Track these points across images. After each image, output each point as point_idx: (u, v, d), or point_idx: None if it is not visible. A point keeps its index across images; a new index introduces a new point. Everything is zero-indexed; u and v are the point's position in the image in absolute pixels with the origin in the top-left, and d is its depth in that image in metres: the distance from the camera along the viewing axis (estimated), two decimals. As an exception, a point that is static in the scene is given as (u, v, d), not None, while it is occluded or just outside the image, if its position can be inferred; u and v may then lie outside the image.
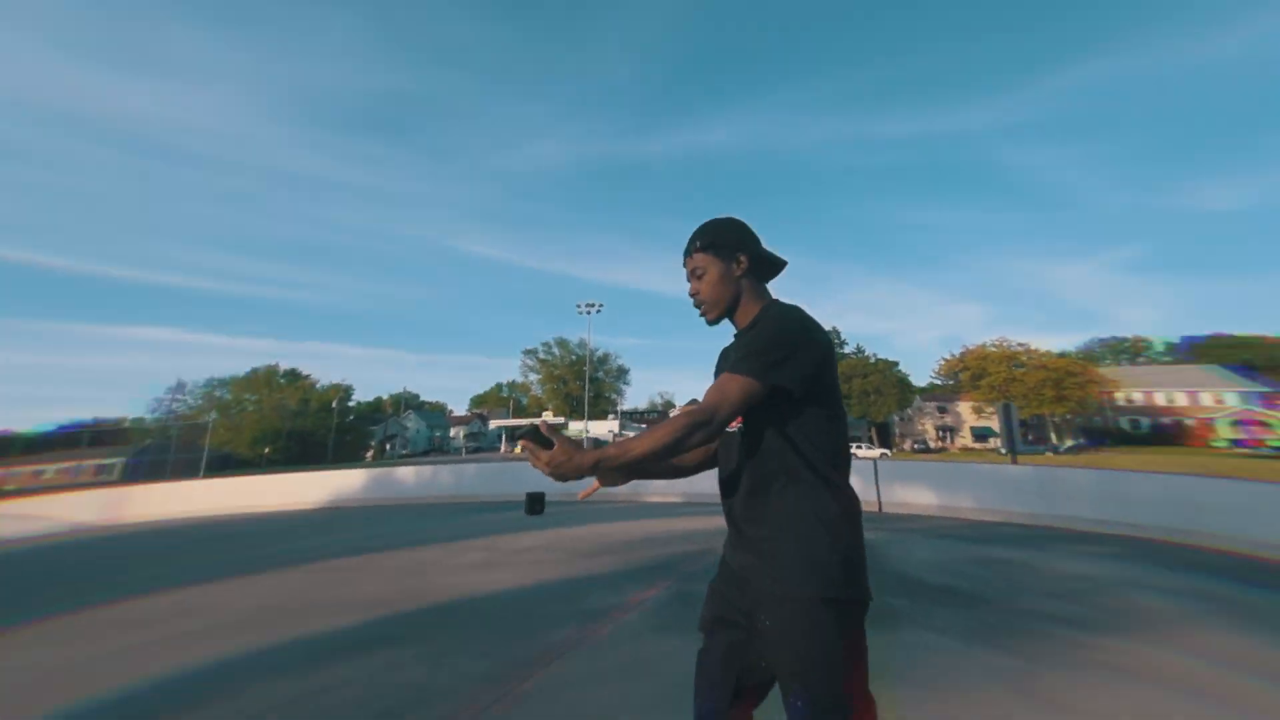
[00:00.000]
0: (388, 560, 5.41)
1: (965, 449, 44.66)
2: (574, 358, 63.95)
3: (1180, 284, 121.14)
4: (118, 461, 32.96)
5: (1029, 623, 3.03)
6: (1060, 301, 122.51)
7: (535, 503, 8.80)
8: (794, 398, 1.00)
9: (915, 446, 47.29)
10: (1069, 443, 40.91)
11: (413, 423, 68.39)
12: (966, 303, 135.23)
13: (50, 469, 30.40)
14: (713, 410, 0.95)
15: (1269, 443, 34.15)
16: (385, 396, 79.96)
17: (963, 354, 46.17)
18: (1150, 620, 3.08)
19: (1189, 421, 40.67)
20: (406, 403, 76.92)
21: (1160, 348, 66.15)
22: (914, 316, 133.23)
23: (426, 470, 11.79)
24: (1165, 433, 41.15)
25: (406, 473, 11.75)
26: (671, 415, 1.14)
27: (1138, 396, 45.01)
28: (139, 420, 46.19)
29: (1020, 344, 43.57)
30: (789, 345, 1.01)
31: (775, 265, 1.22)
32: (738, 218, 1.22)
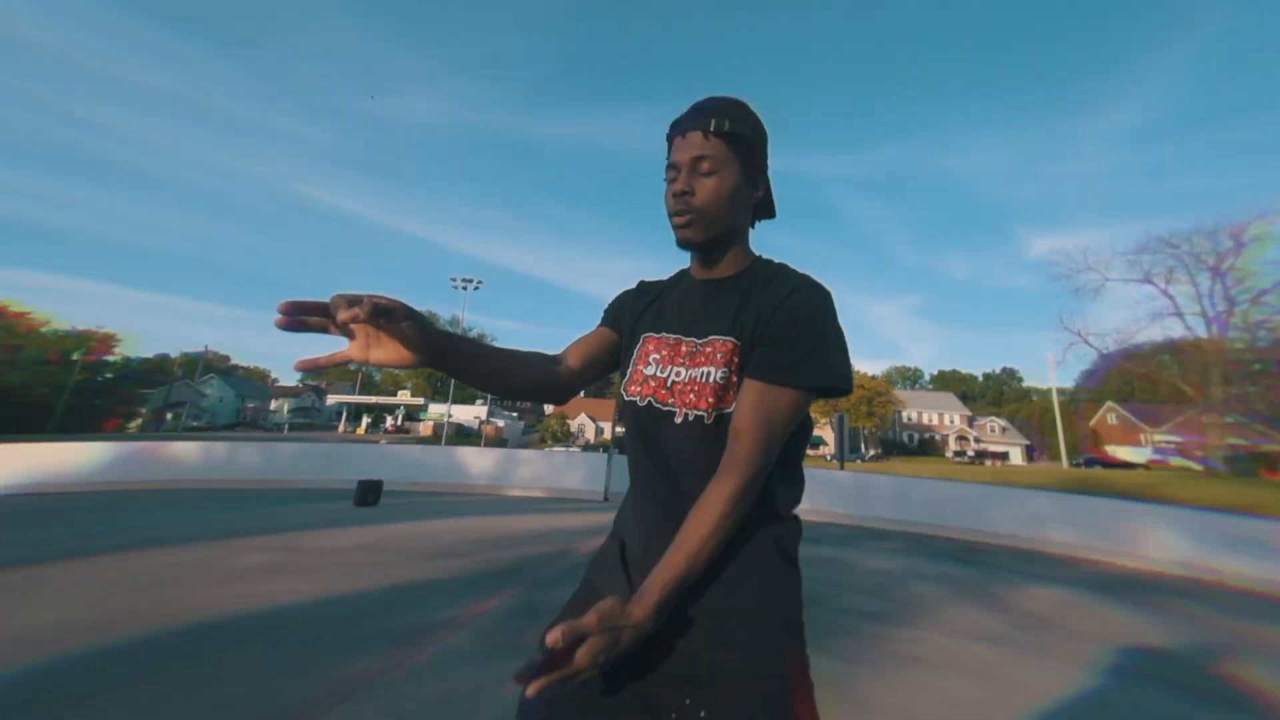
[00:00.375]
0: (111, 566, 3.96)
1: (799, 455, 52.25)
2: (443, 334, 58.32)
3: (940, 328, 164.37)
4: None
5: (847, 621, 3.39)
6: (875, 334, 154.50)
7: (368, 492, 7.47)
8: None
9: (761, 453, 53.48)
10: (872, 451, 50.45)
11: (215, 389, 54.68)
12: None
13: None
14: (766, 451, 0.70)
15: (967, 454, 50.50)
16: (175, 355, 62.81)
17: (805, 373, 54.18)
18: (923, 606, 3.89)
19: (937, 436, 56.94)
20: (208, 365, 61.95)
21: (926, 377, 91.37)
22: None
23: (219, 447, 9.35)
24: (926, 445, 56.74)
25: (186, 449, 9.13)
26: (710, 495, 0.69)
27: (913, 415, 60.00)
28: None
29: (848, 368, 54.21)
30: (839, 335, 0.77)
31: (769, 212, 0.93)
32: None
